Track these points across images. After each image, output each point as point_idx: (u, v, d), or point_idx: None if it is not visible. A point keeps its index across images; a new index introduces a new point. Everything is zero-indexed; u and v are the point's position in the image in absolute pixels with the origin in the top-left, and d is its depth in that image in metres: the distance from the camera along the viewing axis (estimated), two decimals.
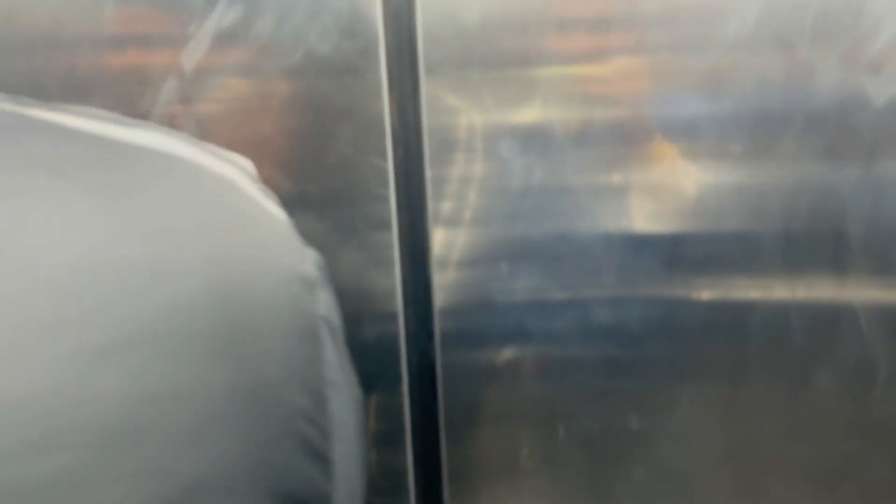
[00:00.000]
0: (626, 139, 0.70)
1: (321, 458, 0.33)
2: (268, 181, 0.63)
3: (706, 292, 0.72)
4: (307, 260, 0.36)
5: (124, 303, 0.26)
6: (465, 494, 0.77)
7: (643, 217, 0.71)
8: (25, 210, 0.26)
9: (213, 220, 0.32)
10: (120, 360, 0.25)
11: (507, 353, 0.74)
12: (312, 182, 0.72)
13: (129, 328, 0.26)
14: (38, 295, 0.24)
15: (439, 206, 0.72)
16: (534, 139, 0.70)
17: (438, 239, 0.73)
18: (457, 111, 0.71)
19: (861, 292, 0.70)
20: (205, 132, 0.72)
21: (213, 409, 0.27)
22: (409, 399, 0.75)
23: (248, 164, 0.38)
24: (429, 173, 0.72)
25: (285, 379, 0.31)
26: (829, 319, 0.71)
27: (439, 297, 0.74)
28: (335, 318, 0.37)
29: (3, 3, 0.70)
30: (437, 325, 0.74)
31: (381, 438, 0.76)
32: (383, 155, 0.72)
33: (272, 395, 0.30)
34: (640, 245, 0.72)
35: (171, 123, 0.72)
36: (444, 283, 0.73)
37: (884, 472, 0.73)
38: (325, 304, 0.36)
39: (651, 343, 0.73)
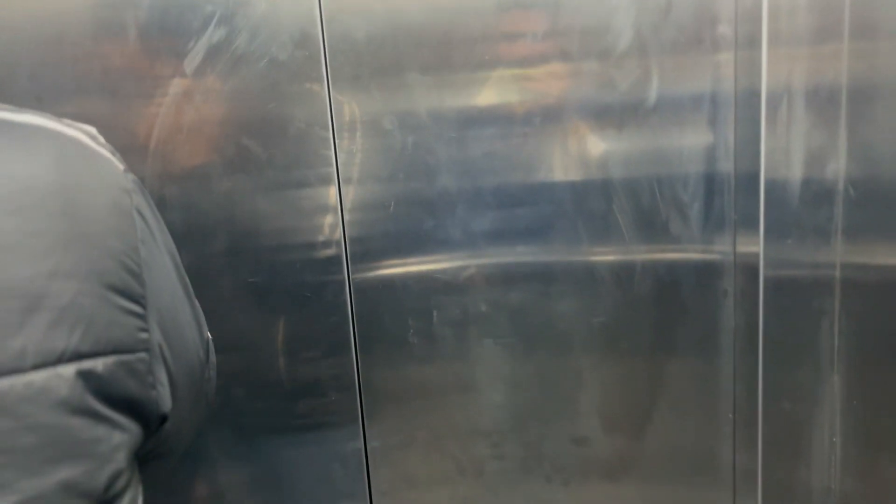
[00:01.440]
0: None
1: (132, 284, 0.62)
2: (245, 148, 0.99)
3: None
4: (126, 179, 0.67)
5: (8, 197, 0.57)
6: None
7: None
8: None
9: (54, 157, 0.61)
10: (19, 222, 0.56)
11: (396, 268, 1.09)
12: (278, 148, 1.05)
13: (11, 208, 0.56)
14: None
15: (349, 168, 1.06)
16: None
17: (349, 190, 1.07)
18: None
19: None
20: (200, 113, 1.04)
21: (64, 240, 0.58)
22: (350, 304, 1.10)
23: (92, 129, 0.70)
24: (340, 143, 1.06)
25: (106, 230, 0.61)
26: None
27: (350, 229, 1.08)
28: (146, 211, 0.68)
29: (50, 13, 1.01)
30: (349, 249, 1.09)
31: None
32: (326, 127, 1.05)
33: (98, 238, 0.60)
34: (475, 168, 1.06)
35: (178, 108, 1.04)
36: (354, 220, 1.07)
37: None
38: (136, 202, 0.65)
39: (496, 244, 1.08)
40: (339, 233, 1.08)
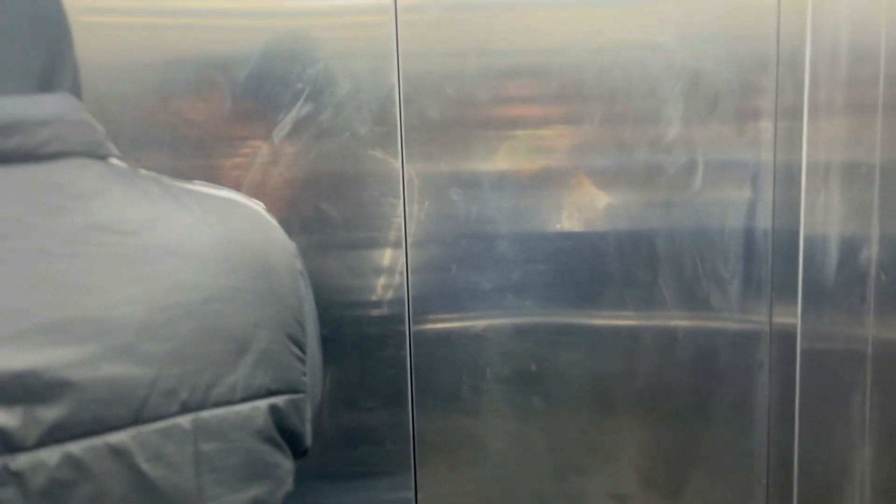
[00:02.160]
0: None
1: (300, 335, 0.74)
2: (322, 210, 1.08)
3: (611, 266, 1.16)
4: (293, 246, 0.78)
5: (228, 258, 0.67)
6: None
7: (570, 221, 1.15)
8: (170, 214, 0.66)
9: (250, 225, 0.73)
10: (236, 279, 0.66)
11: (457, 322, 1.18)
12: (352, 212, 1.15)
13: (230, 267, 0.67)
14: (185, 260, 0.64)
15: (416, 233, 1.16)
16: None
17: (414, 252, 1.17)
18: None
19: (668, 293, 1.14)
20: (283, 177, 1.15)
21: (264, 295, 0.69)
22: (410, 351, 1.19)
23: (261, 204, 0.80)
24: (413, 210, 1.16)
25: (287, 289, 0.73)
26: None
27: (414, 288, 1.17)
28: (305, 273, 0.78)
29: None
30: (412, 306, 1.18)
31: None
32: (398, 196, 1.15)
33: (283, 295, 0.71)
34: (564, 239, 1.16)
35: (264, 171, 1.14)
36: (418, 281, 1.17)
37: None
38: (300, 265, 0.78)
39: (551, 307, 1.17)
40: (403, 291, 1.18)
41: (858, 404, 1.09)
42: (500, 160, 1.15)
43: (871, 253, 1.05)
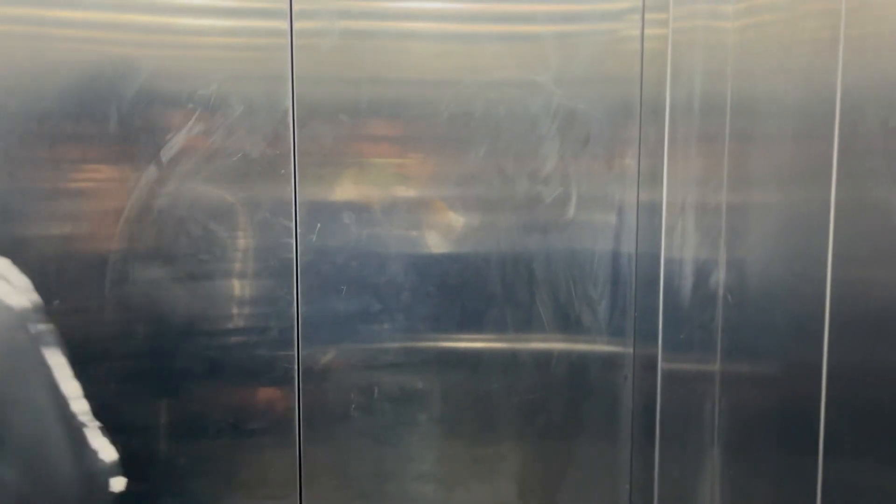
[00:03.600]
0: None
1: None
2: (211, 232, 1.09)
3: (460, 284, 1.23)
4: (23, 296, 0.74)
5: None
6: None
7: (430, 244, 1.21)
8: None
9: None
10: None
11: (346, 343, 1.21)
12: (243, 234, 1.15)
13: None
14: None
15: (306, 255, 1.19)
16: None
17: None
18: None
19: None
20: (171, 198, 1.13)
21: None
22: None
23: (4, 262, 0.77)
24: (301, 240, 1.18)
25: None
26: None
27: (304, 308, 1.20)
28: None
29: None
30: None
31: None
32: (290, 217, 1.17)
33: None
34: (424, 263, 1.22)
35: (151, 192, 1.12)
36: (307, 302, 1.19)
37: None
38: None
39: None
40: (293, 312, 1.19)
41: (709, 412, 1.23)
42: (391, 185, 1.20)
43: (719, 277, 1.19)
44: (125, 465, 1.14)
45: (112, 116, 1.10)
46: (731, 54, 1.19)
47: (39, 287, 1.10)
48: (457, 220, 1.22)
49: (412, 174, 1.21)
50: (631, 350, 1.27)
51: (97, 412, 1.12)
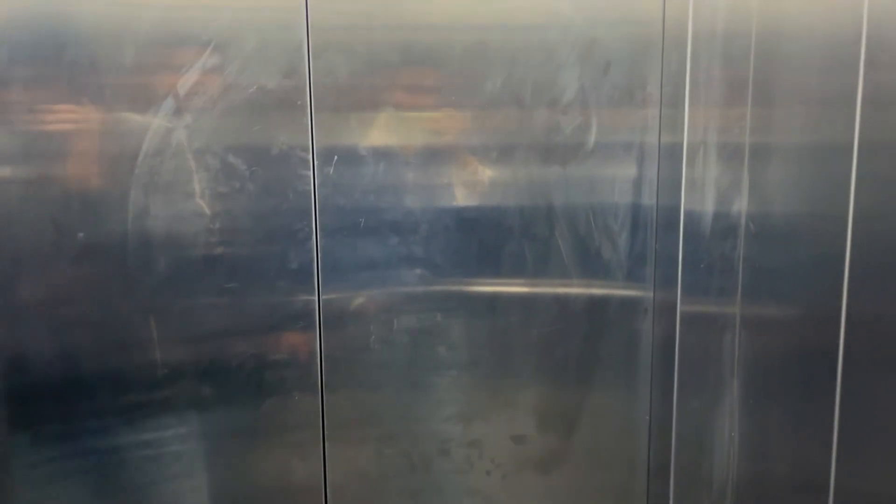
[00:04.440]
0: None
1: None
2: (230, 165, 1.09)
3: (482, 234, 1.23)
4: None
5: None
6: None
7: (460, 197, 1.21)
8: None
9: None
10: None
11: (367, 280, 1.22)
12: (261, 166, 1.16)
13: None
14: None
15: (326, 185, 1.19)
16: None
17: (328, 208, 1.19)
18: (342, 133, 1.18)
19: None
20: (189, 130, 1.14)
21: None
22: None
23: None
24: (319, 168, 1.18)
25: None
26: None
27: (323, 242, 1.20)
28: None
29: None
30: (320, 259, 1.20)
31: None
32: (307, 150, 1.16)
33: None
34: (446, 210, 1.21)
35: (169, 124, 1.13)
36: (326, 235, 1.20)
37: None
38: None
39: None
40: (312, 245, 1.20)
41: (729, 343, 1.22)
42: (406, 124, 1.19)
43: (742, 206, 1.18)
44: (140, 402, 1.18)
45: (128, 53, 1.10)
46: None
47: (63, 221, 1.13)
48: (475, 161, 1.21)
49: (428, 108, 1.20)
50: (652, 278, 1.26)
51: (117, 347, 1.15)
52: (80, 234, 1.13)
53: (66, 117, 1.11)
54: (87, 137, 1.12)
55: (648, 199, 1.24)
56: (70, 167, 1.12)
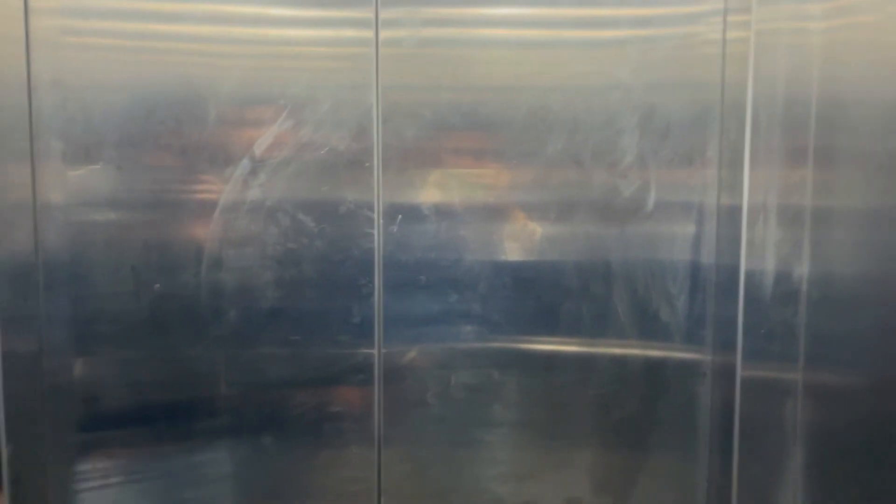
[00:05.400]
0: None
1: None
2: (300, 221, 1.14)
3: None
4: None
5: None
6: None
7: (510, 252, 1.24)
8: None
9: None
10: None
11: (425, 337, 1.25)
12: (329, 222, 1.21)
13: None
14: None
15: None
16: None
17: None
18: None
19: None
20: (263, 189, 1.20)
21: None
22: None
23: None
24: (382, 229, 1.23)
25: None
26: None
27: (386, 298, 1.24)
28: None
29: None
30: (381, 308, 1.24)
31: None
32: (371, 209, 1.22)
33: None
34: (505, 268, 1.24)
35: (244, 183, 1.20)
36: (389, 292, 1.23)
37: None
38: None
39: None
40: (374, 303, 1.23)
41: (790, 414, 1.20)
42: (469, 184, 1.24)
43: (803, 272, 1.17)
44: (201, 443, 1.22)
45: (210, 114, 1.18)
46: (817, 56, 1.17)
47: (142, 270, 1.19)
48: (534, 221, 1.25)
49: (490, 169, 1.24)
50: (711, 341, 1.25)
51: (178, 395, 1.20)
52: (157, 285, 1.20)
53: (151, 175, 1.19)
54: (169, 193, 1.20)
55: (707, 260, 1.25)
56: (151, 220, 1.19)
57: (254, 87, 1.18)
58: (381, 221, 1.22)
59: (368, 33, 1.19)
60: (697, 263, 1.26)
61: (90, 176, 1.16)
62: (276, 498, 1.26)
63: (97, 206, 1.18)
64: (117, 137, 1.17)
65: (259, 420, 1.24)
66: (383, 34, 1.20)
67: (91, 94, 1.15)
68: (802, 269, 1.19)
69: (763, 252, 1.19)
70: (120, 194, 1.18)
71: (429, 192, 1.23)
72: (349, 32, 1.20)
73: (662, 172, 1.24)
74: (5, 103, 1.12)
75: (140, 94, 1.17)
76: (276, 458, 1.25)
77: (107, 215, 1.18)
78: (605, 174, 1.23)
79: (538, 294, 1.25)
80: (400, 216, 1.23)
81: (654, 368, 1.28)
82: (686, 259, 1.26)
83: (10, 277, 1.14)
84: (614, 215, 1.24)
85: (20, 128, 1.13)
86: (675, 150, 1.24)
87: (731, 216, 1.23)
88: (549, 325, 1.26)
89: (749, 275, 1.20)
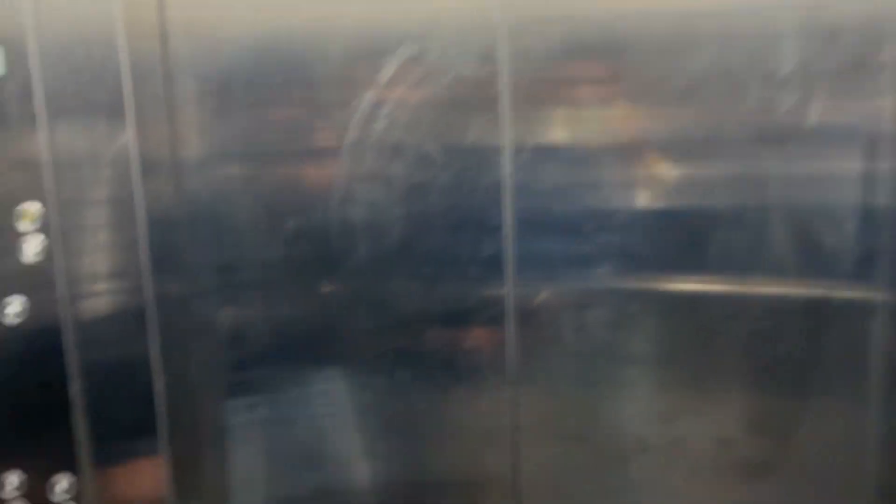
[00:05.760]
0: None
1: None
2: (426, 154, 1.09)
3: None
4: None
5: None
6: None
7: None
8: None
9: None
10: None
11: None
12: (455, 156, 1.16)
13: None
14: None
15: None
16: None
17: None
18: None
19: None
20: (389, 120, 1.16)
21: None
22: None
23: None
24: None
25: None
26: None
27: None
28: None
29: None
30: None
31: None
32: (496, 132, 1.15)
33: None
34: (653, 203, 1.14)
35: (370, 114, 1.17)
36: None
37: None
38: None
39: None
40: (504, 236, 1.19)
41: None
42: (604, 111, 1.14)
43: None
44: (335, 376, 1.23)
45: (334, 48, 1.15)
46: None
47: (274, 212, 1.20)
48: (677, 152, 1.14)
49: (629, 97, 1.14)
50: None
51: (316, 331, 1.22)
52: (290, 222, 1.20)
53: (280, 114, 1.18)
54: (298, 132, 1.19)
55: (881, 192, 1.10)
56: (282, 161, 1.19)
57: (378, 15, 1.14)
58: (510, 151, 1.16)
59: None
60: (869, 193, 1.11)
61: (223, 120, 1.17)
62: (413, 429, 1.27)
63: (232, 151, 1.18)
64: (247, 79, 1.16)
65: (392, 354, 1.24)
66: None
67: (222, 37, 1.14)
68: None
69: None
70: (253, 140, 1.18)
71: (560, 120, 1.15)
72: None
73: (827, 86, 1.10)
74: (141, 48, 1.13)
75: (268, 35, 1.15)
76: (410, 391, 1.25)
77: (242, 163, 1.19)
78: (760, 91, 1.10)
79: (687, 225, 1.16)
80: (530, 145, 1.16)
81: (818, 307, 1.16)
82: (854, 188, 1.12)
83: (157, 224, 1.17)
84: (770, 138, 1.11)
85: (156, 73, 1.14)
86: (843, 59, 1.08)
87: None
88: (698, 261, 1.17)
89: None
